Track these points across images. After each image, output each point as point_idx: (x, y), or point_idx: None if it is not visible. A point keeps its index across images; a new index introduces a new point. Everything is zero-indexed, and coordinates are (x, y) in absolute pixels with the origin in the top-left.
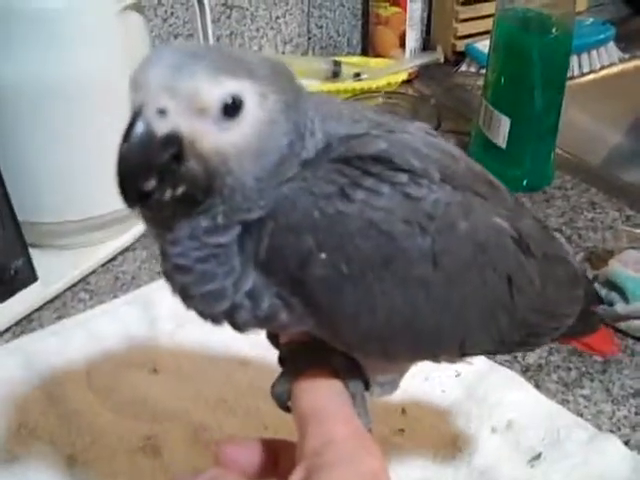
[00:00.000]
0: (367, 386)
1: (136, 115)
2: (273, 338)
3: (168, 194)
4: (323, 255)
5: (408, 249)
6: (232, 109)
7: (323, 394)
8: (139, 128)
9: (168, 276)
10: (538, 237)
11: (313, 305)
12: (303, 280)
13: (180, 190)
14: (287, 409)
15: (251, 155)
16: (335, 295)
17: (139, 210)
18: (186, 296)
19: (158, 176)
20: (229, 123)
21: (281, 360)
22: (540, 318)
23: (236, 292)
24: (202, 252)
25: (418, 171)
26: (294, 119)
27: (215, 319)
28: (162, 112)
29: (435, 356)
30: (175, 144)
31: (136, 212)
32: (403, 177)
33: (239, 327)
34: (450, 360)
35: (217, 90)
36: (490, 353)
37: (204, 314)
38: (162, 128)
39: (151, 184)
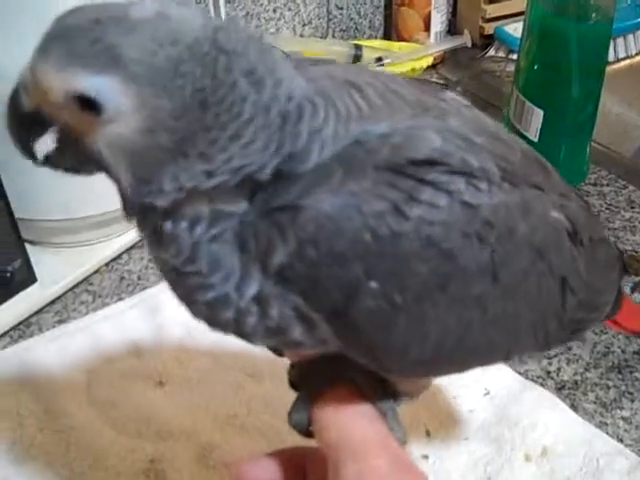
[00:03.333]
0: (396, 398)
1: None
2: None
3: (42, 146)
4: (374, 284)
5: (467, 266)
6: (90, 105)
7: (352, 419)
8: (11, 102)
9: (170, 284)
10: (584, 221)
11: (351, 334)
12: (346, 312)
13: (54, 138)
14: (309, 435)
15: (124, 156)
16: (383, 327)
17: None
18: (190, 303)
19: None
20: (95, 118)
21: (292, 383)
22: (585, 313)
23: (240, 297)
24: (181, 258)
25: (476, 172)
26: (182, 133)
27: (222, 328)
28: (25, 88)
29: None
30: (40, 117)
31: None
32: (460, 183)
33: (248, 337)
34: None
35: (62, 84)
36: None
37: (211, 323)
38: (27, 102)
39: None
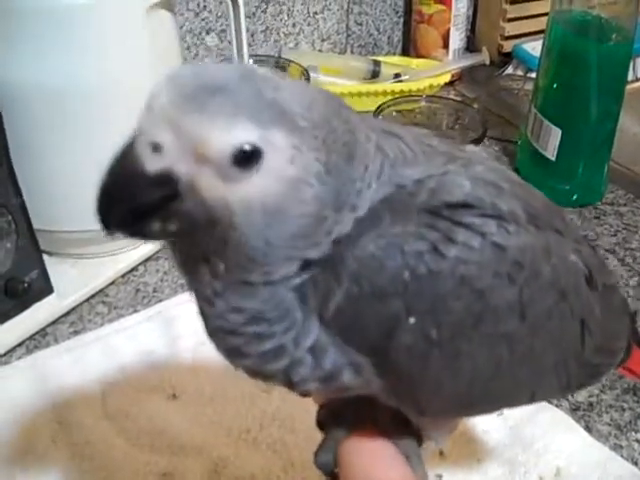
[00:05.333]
0: (420, 441)
1: (129, 144)
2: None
3: (155, 227)
4: (412, 320)
5: (498, 305)
6: (246, 159)
7: (376, 460)
8: (126, 161)
9: (213, 336)
10: (598, 267)
11: (390, 371)
12: (385, 347)
13: (172, 227)
14: (334, 477)
15: (264, 215)
16: (420, 362)
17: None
18: (236, 356)
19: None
20: (242, 174)
21: (320, 423)
22: (602, 358)
23: (296, 347)
24: (242, 316)
25: (505, 215)
26: (334, 186)
27: (268, 378)
28: (156, 147)
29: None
30: (169, 185)
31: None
32: (492, 225)
33: (295, 385)
34: None
35: (228, 137)
36: (554, 398)
37: (256, 373)
38: (154, 165)
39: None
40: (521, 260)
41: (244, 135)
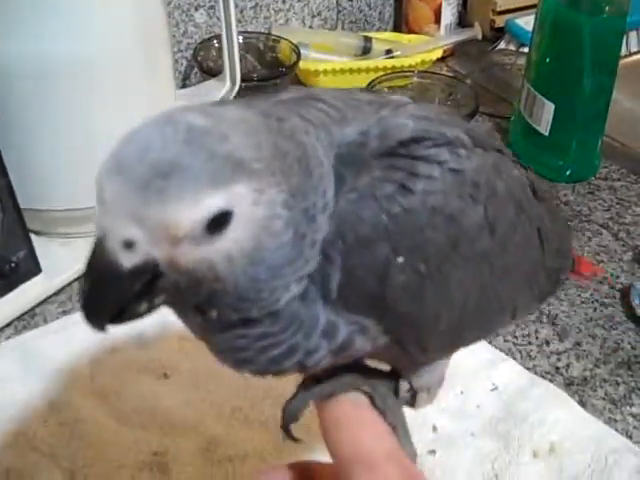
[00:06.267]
0: (413, 402)
1: (98, 245)
2: None
3: (144, 308)
4: (400, 259)
5: (469, 226)
6: (218, 224)
7: (364, 433)
8: (101, 264)
9: (218, 356)
10: (535, 178)
11: (392, 318)
12: (383, 294)
13: (159, 300)
14: (289, 433)
15: (245, 260)
16: (417, 298)
17: None
18: (245, 365)
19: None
20: (216, 234)
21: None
22: (559, 261)
23: (309, 340)
24: (248, 339)
25: (454, 141)
26: (302, 204)
27: (279, 374)
28: (128, 244)
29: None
30: (147, 272)
31: None
32: (445, 152)
33: (308, 368)
34: None
35: (197, 213)
36: (531, 313)
37: (265, 374)
38: (130, 260)
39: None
40: (478, 180)
41: (211, 204)
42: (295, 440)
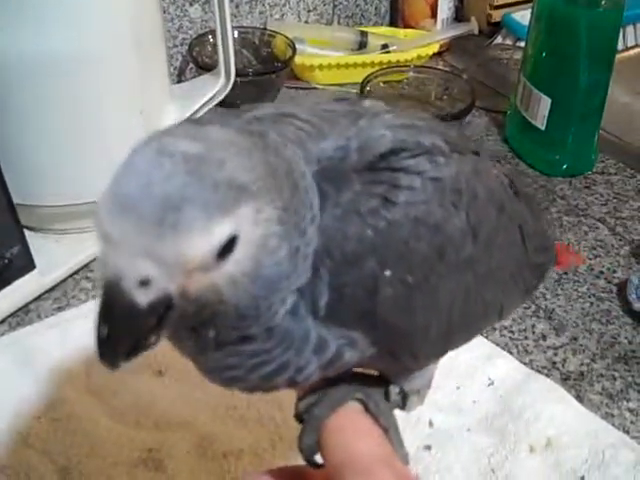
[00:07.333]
0: (403, 405)
1: (112, 285)
2: None
3: (154, 339)
4: (388, 273)
5: (453, 233)
6: (226, 249)
7: (356, 438)
8: (119, 305)
9: (206, 375)
10: (514, 175)
11: (381, 331)
12: (373, 308)
13: (167, 329)
14: (315, 464)
15: (247, 280)
16: (406, 309)
17: None
18: (235, 383)
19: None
20: (223, 259)
21: (298, 416)
22: (541, 256)
23: (299, 356)
24: (240, 357)
25: (431, 150)
26: (293, 218)
27: (268, 390)
28: (144, 282)
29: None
30: (162, 306)
31: None
32: (424, 162)
33: (298, 384)
34: None
35: (209, 243)
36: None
37: (255, 390)
38: (146, 297)
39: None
40: (458, 186)
41: (222, 232)
42: (320, 466)
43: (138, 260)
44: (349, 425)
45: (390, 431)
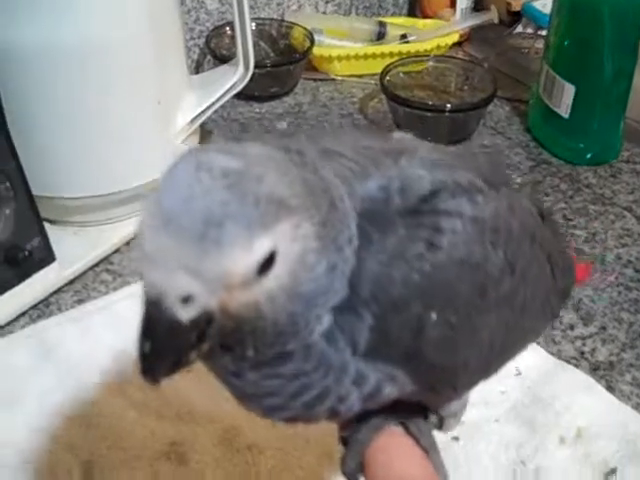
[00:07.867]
0: (440, 425)
1: (154, 303)
2: None
3: (194, 356)
4: (434, 316)
5: (492, 272)
6: (266, 264)
7: (399, 459)
8: (162, 323)
9: (242, 401)
10: (537, 199)
11: (423, 369)
12: (417, 350)
13: (207, 346)
14: None
15: (285, 296)
16: (449, 349)
17: None
18: (275, 412)
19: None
20: (263, 277)
21: (343, 439)
22: (565, 279)
23: (339, 385)
24: (279, 380)
25: (470, 188)
26: (331, 234)
27: (310, 421)
28: (187, 299)
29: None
30: (203, 322)
31: None
32: (464, 203)
33: (340, 415)
34: None
35: (251, 260)
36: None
37: (297, 420)
38: (188, 314)
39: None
40: (496, 225)
41: (263, 247)
42: None
43: (180, 276)
44: (392, 446)
45: (431, 452)
